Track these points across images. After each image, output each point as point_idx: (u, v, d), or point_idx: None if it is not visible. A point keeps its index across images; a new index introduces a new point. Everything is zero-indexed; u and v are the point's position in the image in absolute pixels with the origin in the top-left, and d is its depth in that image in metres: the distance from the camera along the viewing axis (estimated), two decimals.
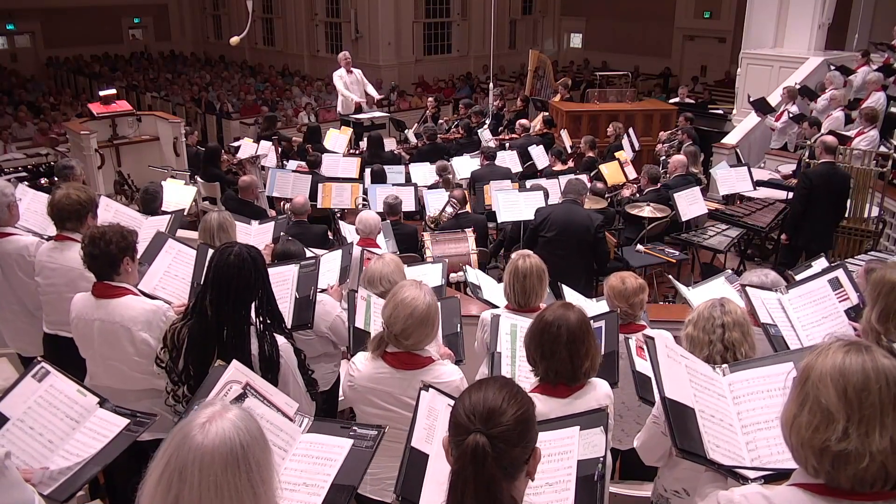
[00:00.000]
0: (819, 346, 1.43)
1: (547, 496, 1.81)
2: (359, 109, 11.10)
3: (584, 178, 7.49)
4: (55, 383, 2.30)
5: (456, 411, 1.54)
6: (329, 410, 3.63)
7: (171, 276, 3.35)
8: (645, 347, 2.03)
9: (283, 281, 3.20)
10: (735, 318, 2.36)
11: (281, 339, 2.46)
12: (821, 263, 3.95)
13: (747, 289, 3.00)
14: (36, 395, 2.25)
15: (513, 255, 3.34)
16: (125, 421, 2.23)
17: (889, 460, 1.29)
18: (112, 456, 2.19)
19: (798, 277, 3.64)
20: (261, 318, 2.42)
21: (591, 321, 2.45)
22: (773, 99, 9.81)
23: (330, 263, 3.86)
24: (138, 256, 3.03)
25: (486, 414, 1.47)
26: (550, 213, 5.51)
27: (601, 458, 1.85)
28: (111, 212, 4.29)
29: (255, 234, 4.74)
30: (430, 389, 2.09)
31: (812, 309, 2.94)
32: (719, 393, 1.98)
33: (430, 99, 13.30)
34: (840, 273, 3.01)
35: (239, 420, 1.41)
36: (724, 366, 2.07)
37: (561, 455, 1.85)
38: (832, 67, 9.70)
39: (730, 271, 4.25)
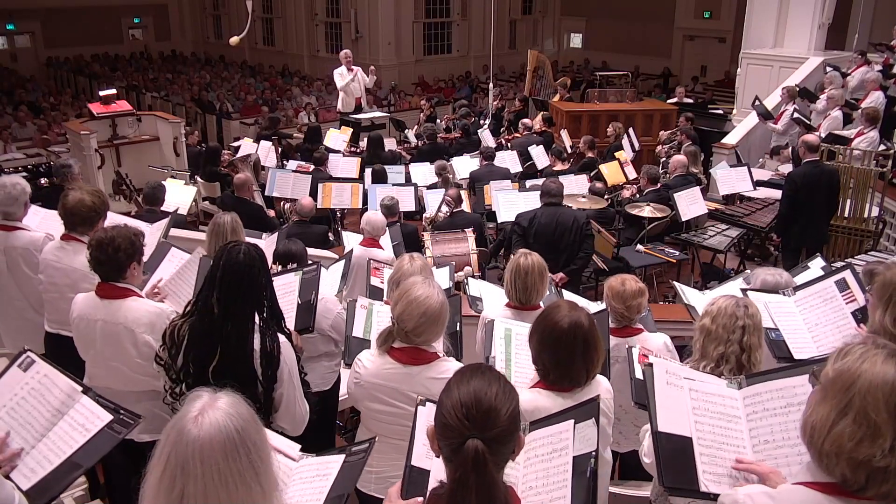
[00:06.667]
0: (852, 348, 1.38)
1: (544, 496, 1.78)
2: (358, 108, 11.09)
3: (579, 178, 7.51)
4: (41, 371, 2.26)
5: (445, 409, 1.46)
6: (328, 410, 3.62)
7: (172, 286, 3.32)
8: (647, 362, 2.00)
9: (289, 292, 3.14)
10: (755, 323, 2.36)
11: (281, 338, 2.47)
12: (817, 263, 3.92)
13: (749, 293, 2.96)
14: (22, 384, 2.22)
15: (515, 253, 3.37)
16: (108, 416, 2.16)
17: None
18: (95, 458, 2.13)
19: (797, 279, 3.61)
20: (264, 315, 2.44)
21: None
22: (773, 99, 9.80)
23: (332, 275, 3.94)
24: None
25: (481, 417, 1.42)
26: (535, 218, 5.20)
27: (593, 452, 1.81)
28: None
29: (266, 248, 4.67)
30: (427, 404, 2.00)
31: (819, 311, 2.92)
32: (730, 414, 1.93)
33: (423, 101, 13.30)
34: (847, 274, 2.98)
35: (229, 406, 1.43)
36: (741, 377, 2.04)
37: (557, 452, 1.82)
38: (829, 69, 9.70)
39: (748, 272, 4.18)
